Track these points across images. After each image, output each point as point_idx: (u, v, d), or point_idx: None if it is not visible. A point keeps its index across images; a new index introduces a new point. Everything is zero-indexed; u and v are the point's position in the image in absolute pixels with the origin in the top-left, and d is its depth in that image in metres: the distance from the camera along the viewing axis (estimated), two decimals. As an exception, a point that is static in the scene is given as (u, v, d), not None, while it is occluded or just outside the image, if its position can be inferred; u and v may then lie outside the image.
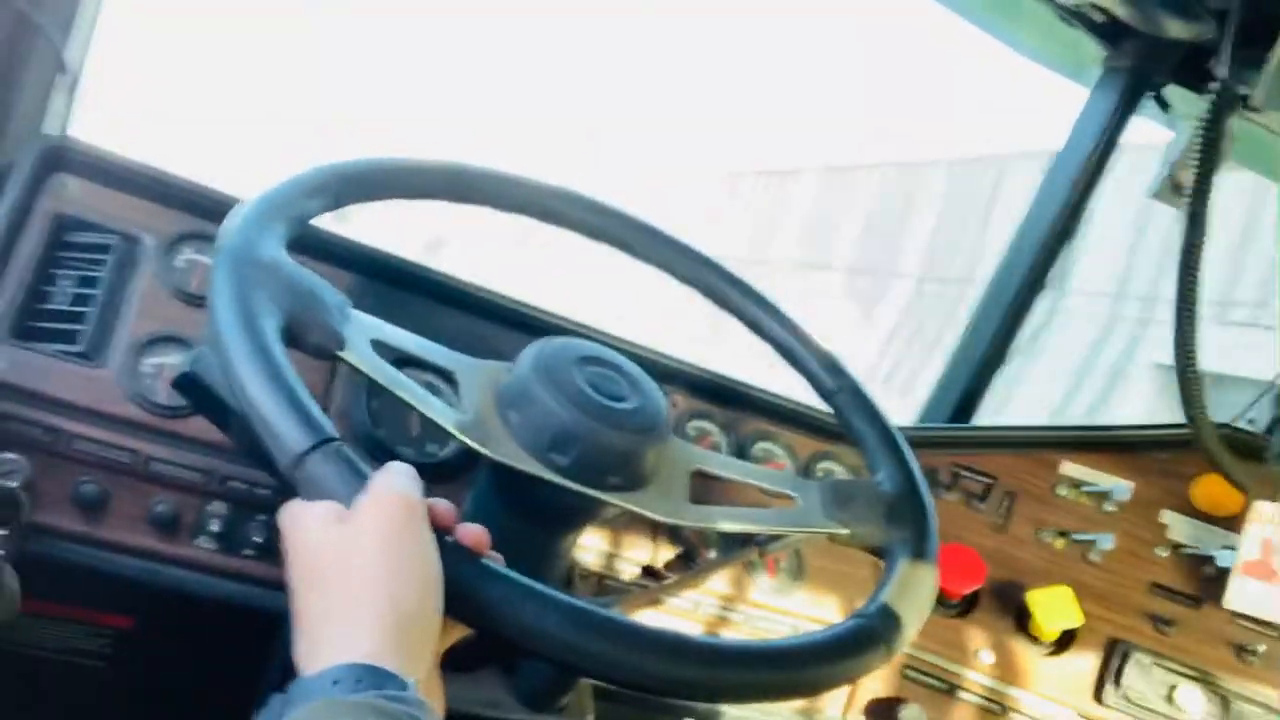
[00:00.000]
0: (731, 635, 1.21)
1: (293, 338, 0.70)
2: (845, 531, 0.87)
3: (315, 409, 0.65)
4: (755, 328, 1.02)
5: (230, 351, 0.66)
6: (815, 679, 0.74)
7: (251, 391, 0.65)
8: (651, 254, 1.01)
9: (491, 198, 0.95)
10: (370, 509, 0.63)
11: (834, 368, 0.99)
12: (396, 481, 0.65)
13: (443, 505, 0.67)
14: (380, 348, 0.76)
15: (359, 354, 0.74)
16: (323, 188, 0.82)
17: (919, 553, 0.86)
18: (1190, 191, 1.24)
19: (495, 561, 0.67)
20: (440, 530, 0.65)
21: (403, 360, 0.78)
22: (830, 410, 0.99)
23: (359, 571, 0.61)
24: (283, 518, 0.66)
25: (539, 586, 0.65)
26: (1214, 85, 1.21)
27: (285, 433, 0.63)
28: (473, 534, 0.67)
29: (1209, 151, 1.22)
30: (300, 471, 0.63)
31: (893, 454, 0.94)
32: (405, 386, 0.74)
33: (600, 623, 0.66)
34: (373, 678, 0.56)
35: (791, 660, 0.72)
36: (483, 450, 0.76)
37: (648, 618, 1.15)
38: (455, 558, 0.64)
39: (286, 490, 0.66)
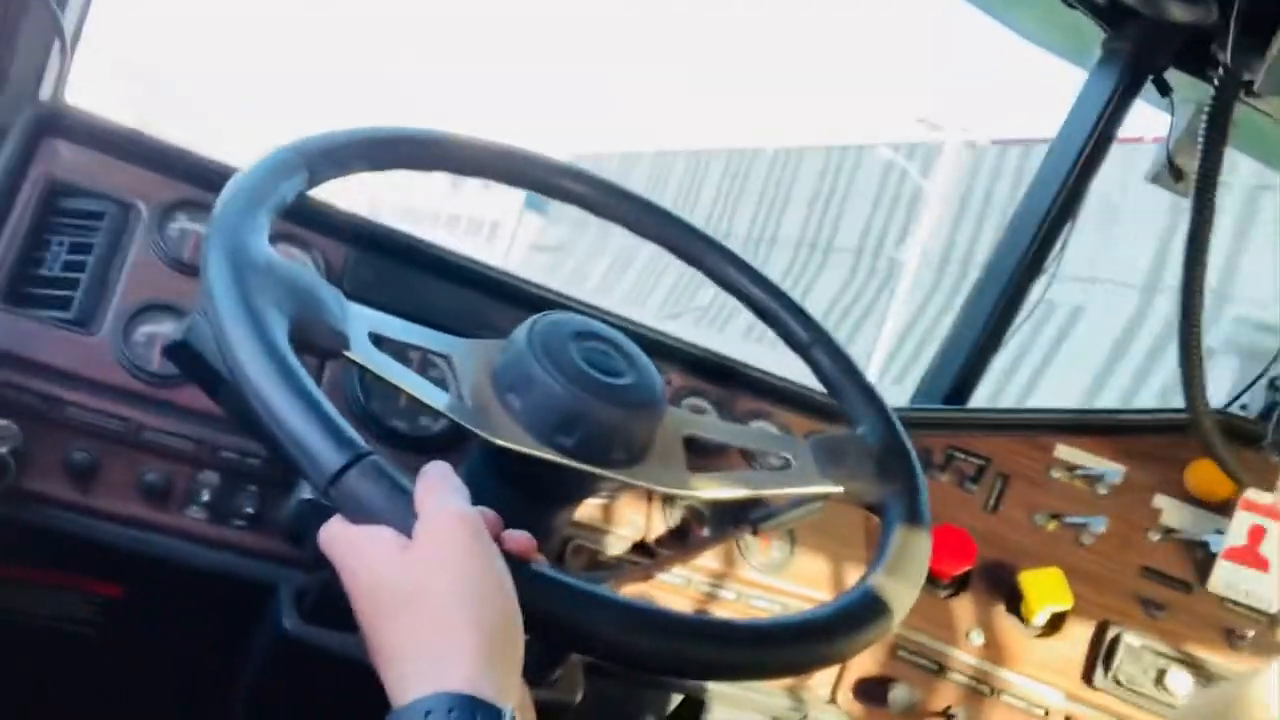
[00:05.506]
0: (723, 613, 1.21)
1: (299, 342, 0.69)
2: (840, 490, 0.88)
3: (344, 422, 0.63)
4: (724, 282, 1.02)
5: (247, 368, 0.64)
6: (823, 655, 0.77)
7: (275, 408, 0.63)
8: (617, 211, 1.00)
9: (461, 163, 0.93)
10: (434, 535, 0.61)
11: (807, 321, 0.99)
12: (450, 500, 0.63)
13: (490, 515, 0.66)
14: (378, 339, 0.75)
15: (364, 353, 0.73)
16: (296, 167, 0.80)
17: (912, 513, 0.86)
18: (1195, 177, 1.23)
19: (542, 566, 0.66)
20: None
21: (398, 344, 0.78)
22: (819, 384, 0.99)
23: (439, 601, 0.59)
24: (333, 547, 0.63)
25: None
26: (1220, 70, 1.21)
27: (318, 451, 0.62)
28: (520, 542, 0.66)
29: (1215, 137, 1.21)
30: (338, 490, 0.62)
31: (872, 405, 0.94)
32: (410, 381, 0.74)
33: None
34: (467, 708, 0.54)
35: (803, 636, 0.75)
36: (491, 438, 0.76)
37: (638, 593, 1.15)
38: (524, 574, 0.63)
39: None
